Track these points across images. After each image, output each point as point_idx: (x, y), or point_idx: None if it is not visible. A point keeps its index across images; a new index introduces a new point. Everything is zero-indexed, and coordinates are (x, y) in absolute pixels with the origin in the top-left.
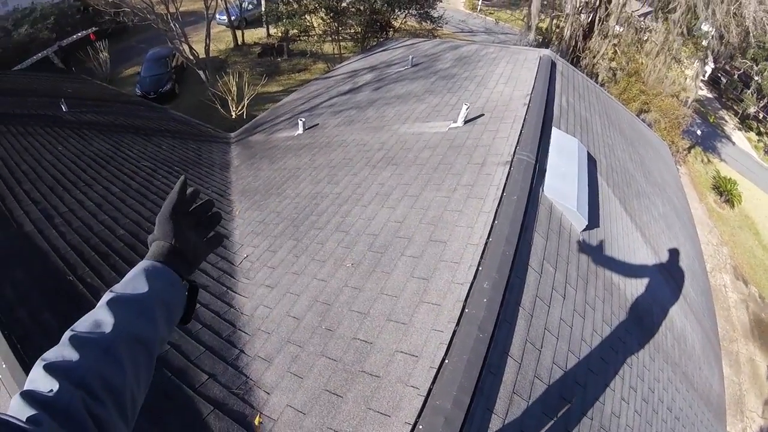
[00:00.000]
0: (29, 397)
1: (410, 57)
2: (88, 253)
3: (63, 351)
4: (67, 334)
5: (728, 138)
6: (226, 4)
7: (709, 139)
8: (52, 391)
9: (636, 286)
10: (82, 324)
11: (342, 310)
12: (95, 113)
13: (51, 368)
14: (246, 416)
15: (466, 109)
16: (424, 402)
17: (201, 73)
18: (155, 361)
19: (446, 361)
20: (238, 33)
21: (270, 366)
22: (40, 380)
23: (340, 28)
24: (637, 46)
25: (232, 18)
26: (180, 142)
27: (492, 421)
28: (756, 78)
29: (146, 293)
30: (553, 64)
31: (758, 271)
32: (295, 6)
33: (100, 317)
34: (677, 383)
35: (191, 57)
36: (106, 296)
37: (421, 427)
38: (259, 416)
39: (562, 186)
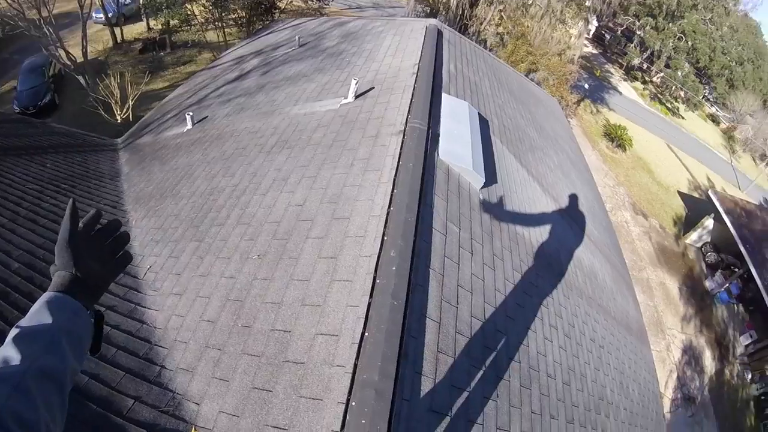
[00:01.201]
0: None
1: (297, 37)
2: None
3: None
4: None
5: (615, 89)
6: (101, 1)
7: (596, 91)
8: None
9: (540, 233)
10: None
11: (255, 303)
12: None
13: None
14: None
15: (356, 84)
16: (351, 379)
17: (80, 78)
18: (68, 393)
19: (366, 334)
20: (117, 30)
21: (194, 376)
22: None
23: (223, 14)
24: (522, 11)
25: (109, 15)
26: (65, 157)
27: (423, 383)
28: (638, 32)
29: (50, 325)
30: (440, 33)
31: (655, 205)
32: None
33: (6, 354)
34: (595, 315)
35: (69, 62)
36: (12, 332)
37: (353, 403)
38: (194, 428)
39: (457, 148)
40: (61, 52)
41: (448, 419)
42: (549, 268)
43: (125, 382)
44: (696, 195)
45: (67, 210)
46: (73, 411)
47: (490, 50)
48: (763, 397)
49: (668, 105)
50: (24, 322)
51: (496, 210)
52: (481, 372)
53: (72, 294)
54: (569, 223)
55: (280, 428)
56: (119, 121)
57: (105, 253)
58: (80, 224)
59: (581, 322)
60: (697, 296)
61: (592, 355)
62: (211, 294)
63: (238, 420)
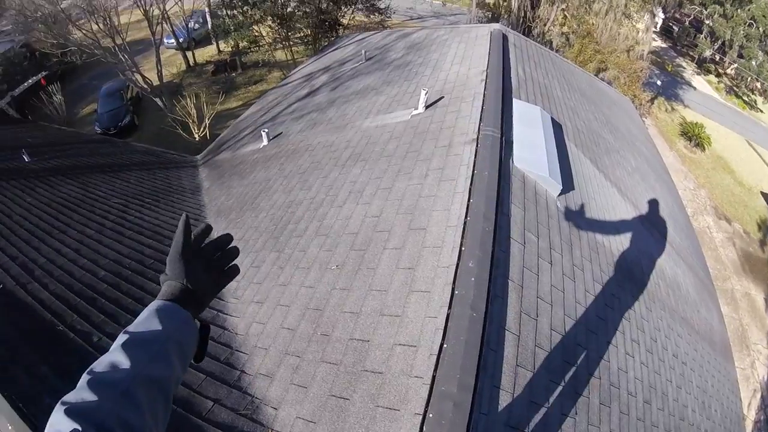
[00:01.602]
0: None
1: (363, 51)
2: (73, 299)
3: (82, 394)
4: (85, 377)
5: (689, 84)
6: (172, 28)
7: (670, 87)
8: None
9: (621, 241)
10: (99, 366)
11: (334, 313)
12: (58, 158)
13: (72, 412)
14: None
15: (425, 94)
16: (430, 390)
17: (158, 100)
18: (171, 401)
19: (445, 345)
20: (189, 54)
21: (273, 381)
22: (62, 424)
23: (289, 34)
24: (585, 8)
25: (180, 40)
26: (147, 173)
27: (501, 397)
28: (707, 22)
29: (160, 333)
30: (505, 37)
31: (738, 208)
32: (241, 18)
33: (116, 359)
34: (678, 329)
35: (145, 86)
36: (121, 338)
37: (431, 415)
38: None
39: (531, 155)
40: (138, 77)
41: None
42: (630, 278)
43: (206, 385)
44: None
45: (181, 223)
46: None
47: (557, 51)
48: None
49: (745, 98)
50: (132, 327)
51: (575, 218)
52: (560, 387)
53: (181, 304)
54: (650, 230)
55: None
56: (197, 139)
57: (214, 265)
58: (192, 236)
59: (664, 336)
60: None
61: (675, 372)
62: (291, 303)
63: (315, 426)
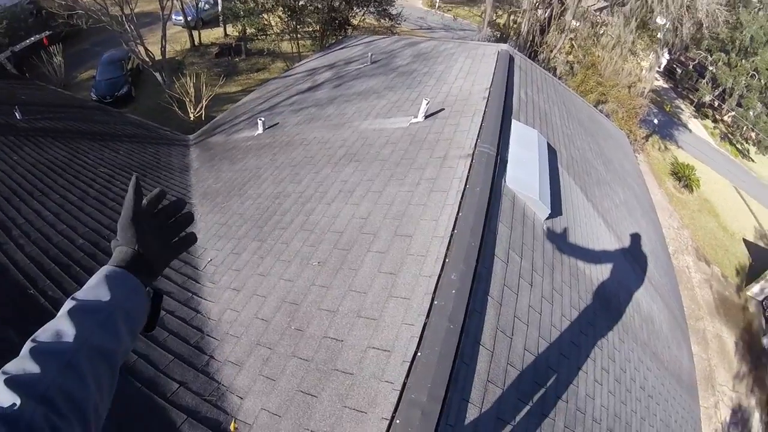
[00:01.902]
0: None
1: (369, 54)
2: (47, 264)
3: (24, 364)
4: (28, 345)
5: (685, 126)
6: (181, 5)
7: (666, 127)
8: (14, 405)
9: (601, 271)
10: (44, 334)
11: (311, 309)
12: (50, 120)
13: (12, 382)
14: (220, 423)
15: (427, 104)
16: (399, 396)
17: (157, 75)
18: (118, 372)
19: (419, 354)
20: (195, 33)
21: (241, 370)
22: (1, 394)
23: (298, 27)
24: (593, 40)
25: (189, 18)
26: (138, 147)
27: (468, 410)
28: (710, 68)
29: (108, 302)
30: (511, 58)
31: (719, 252)
32: (252, 4)
33: (61, 327)
34: (648, 362)
35: (147, 59)
36: (68, 304)
37: (398, 421)
38: (234, 422)
39: (524, 176)
40: (141, 49)
41: None
42: (607, 308)
43: (173, 366)
44: (762, 244)
45: (131, 186)
46: (119, 387)
47: (560, 78)
48: None
49: (738, 146)
50: (81, 294)
51: (559, 243)
52: (528, 407)
53: (132, 270)
54: (631, 263)
55: None
56: (192, 119)
57: (168, 231)
58: (144, 201)
59: (633, 368)
60: (753, 353)
61: (641, 404)
62: (268, 294)
63: (279, 420)
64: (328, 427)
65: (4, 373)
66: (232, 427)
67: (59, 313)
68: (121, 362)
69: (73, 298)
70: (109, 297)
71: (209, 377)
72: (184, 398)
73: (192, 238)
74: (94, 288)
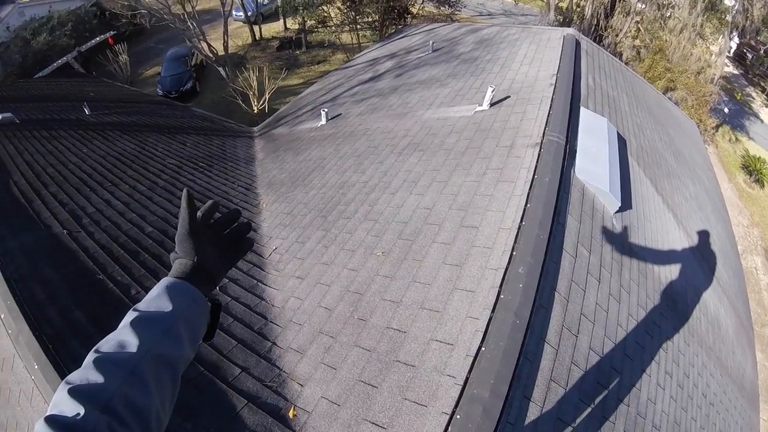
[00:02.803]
0: (54, 422)
1: (430, 42)
2: (117, 251)
3: (88, 374)
4: (91, 355)
5: (756, 115)
6: (241, 0)
7: (736, 117)
8: (78, 415)
9: (670, 269)
10: (106, 344)
11: (374, 299)
12: (118, 114)
13: (76, 392)
14: (280, 409)
15: (492, 91)
16: (461, 391)
17: (221, 69)
18: (180, 380)
19: (483, 348)
20: (256, 28)
21: (303, 358)
22: (65, 404)
23: (357, 17)
24: (660, 23)
25: (249, 13)
26: (204, 139)
27: (530, 409)
28: None
29: (170, 312)
30: (578, 43)
31: None
32: None
33: (124, 338)
34: (711, 368)
35: (210, 54)
36: (130, 315)
37: (458, 416)
38: (293, 408)
39: (594, 167)
40: (204, 45)
41: None
42: (674, 308)
43: (236, 352)
44: None
45: (183, 200)
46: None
47: (626, 64)
48: None
49: None
50: (142, 306)
51: (628, 238)
52: (589, 409)
53: (192, 281)
54: (699, 262)
55: (379, 426)
56: (255, 111)
57: (225, 241)
58: (198, 214)
59: (696, 373)
60: None
61: (701, 411)
62: (332, 283)
63: (339, 409)
64: (387, 418)
65: (67, 383)
66: (290, 414)
67: (121, 324)
68: (182, 371)
69: (135, 309)
70: (170, 307)
71: (271, 363)
72: (245, 383)
73: (247, 245)
74: (156, 299)
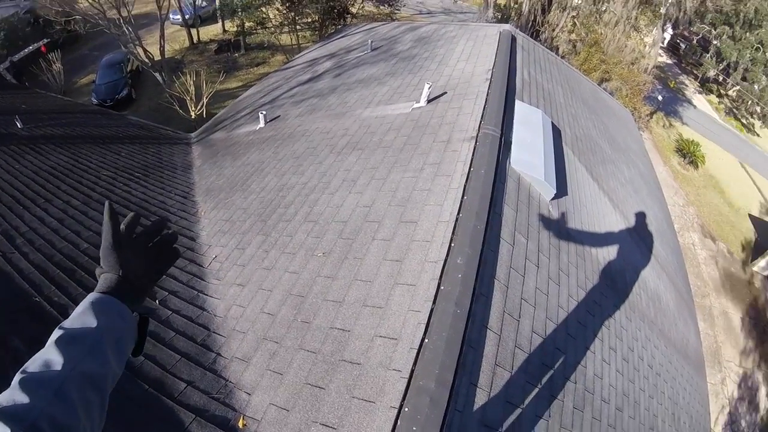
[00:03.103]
0: None
1: (369, 41)
2: (52, 270)
3: (14, 395)
4: (18, 376)
5: (689, 102)
6: (179, 3)
7: (670, 104)
8: None
9: (608, 250)
10: (33, 364)
11: (316, 300)
12: (51, 126)
13: (2, 413)
14: (229, 420)
15: (429, 88)
16: (407, 384)
17: (157, 75)
18: (108, 398)
19: (426, 340)
20: (193, 31)
21: (248, 366)
22: None
23: (296, 18)
24: (595, 17)
25: (186, 16)
26: (140, 148)
27: (477, 395)
28: (715, 42)
29: (95, 328)
30: (513, 39)
31: (725, 228)
32: None
33: (49, 357)
34: (655, 340)
35: (146, 60)
36: (55, 334)
37: (406, 409)
38: (243, 418)
39: (529, 157)
40: (140, 50)
41: None
42: (614, 287)
43: (180, 366)
44: None
45: (105, 213)
46: (126, 388)
47: (563, 57)
48: None
49: (743, 121)
50: (68, 323)
51: (565, 223)
52: (537, 390)
53: (118, 296)
54: (637, 242)
55: (329, 427)
56: (193, 117)
57: (150, 253)
58: (122, 226)
59: (641, 346)
60: (759, 329)
61: (648, 382)
62: (274, 287)
63: (288, 414)
64: (337, 418)
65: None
66: (240, 424)
67: (47, 343)
68: (110, 388)
69: (60, 327)
70: (95, 323)
71: (216, 375)
72: (192, 397)
73: (174, 255)
74: (81, 316)
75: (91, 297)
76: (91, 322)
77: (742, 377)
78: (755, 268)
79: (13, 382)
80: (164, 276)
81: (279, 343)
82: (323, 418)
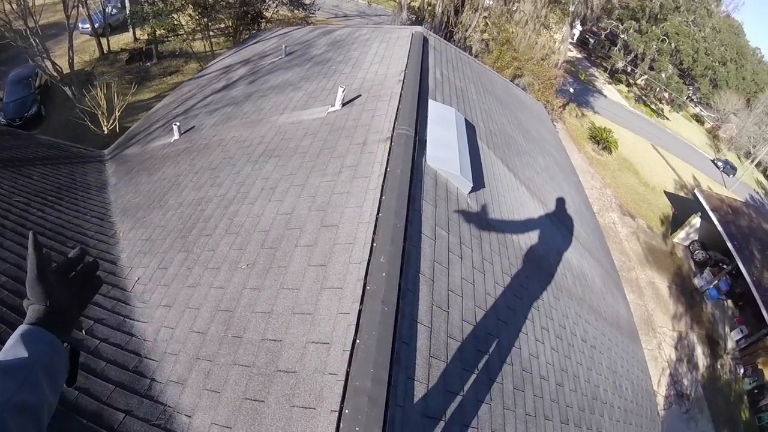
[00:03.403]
0: None
1: (283, 46)
2: None
3: None
4: None
5: (600, 92)
6: (88, 11)
7: (582, 95)
8: None
9: (529, 236)
10: None
11: (245, 313)
12: None
13: None
14: None
15: (343, 91)
16: (344, 386)
17: (67, 89)
18: (45, 428)
19: (357, 341)
20: (103, 41)
21: (185, 388)
22: None
23: (210, 24)
24: (507, 17)
25: (96, 25)
26: (51, 169)
27: (416, 388)
28: (622, 36)
29: (26, 359)
30: (425, 40)
31: (642, 205)
32: (161, 5)
33: None
34: (586, 316)
35: (55, 73)
36: None
37: (347, 411)
38: None
39: (444, 154)
40: (48, 63)
41: (442, 424)
42: (538, 270)
43: (115, 396)
44: (682, 194)
45: (30, 245)
46: (64, 425)
47: (476, 56)
48: (755, 391)
49: (653, 107)
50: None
51: (485, 214)
52: (474, 375)
53: (46, 326)
54: (557, 225)
55: None
56: (106, 132)
57: (74, 284)
58: (43, 258)
59: (572, 323)
60: (686, 294)
61: (584, 355)
62: (201, 305)
63: None
64: (280, 429)
65: None
66: None
67: None
68: (47, 419)
69: None
70: (26, 355)
71: (154, 401)
72: (132, 427)
73: (98, 283)
74: (12, 348)
75: (20, 329)
76: (23, 353)
77: (677, 339)
78: (676, 239)
79: None
80: (92, 305)
81: (212, 361)
82: (266, 431)
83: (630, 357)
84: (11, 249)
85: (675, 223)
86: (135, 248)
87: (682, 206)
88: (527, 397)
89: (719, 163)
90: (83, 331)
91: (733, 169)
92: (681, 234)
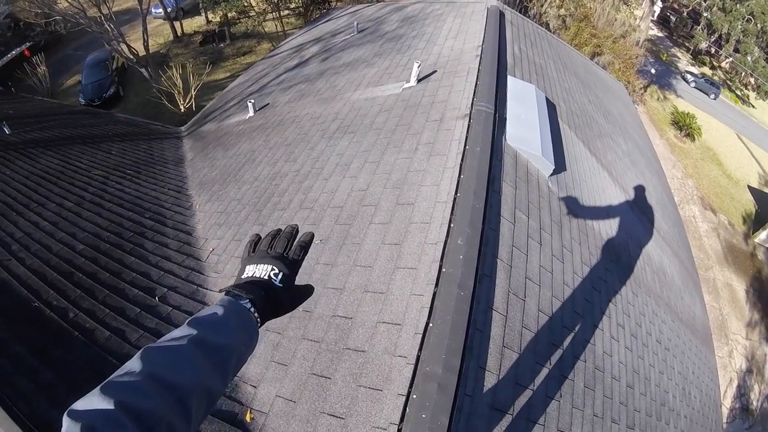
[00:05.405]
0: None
1: (355, 23)
2: (50, 274)
3: (137, 391)
4: (147, 367)
5: (682, 74)
6: None
7: (663, 76)
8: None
9: (610, 225)
10: (163, 354)
11: (317, 288)
12: (39, 130)
13: (125, 408)
14: (236, 414)
15: (418, 67)
16: (414, 370)
17: (143, 70)
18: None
19: (430, 325)
20: (177, 24)
21: (252, 358)
22: (107, 420)
23: (280, 4)
24: None
25: (168, 9)
26: (130, 145)
27: (486, 378)
28: (705, 14)
29: (230, 345)
30: (502, 14)
31: (725, 200)
32: None
33: (182, 361)
34: (662, 315)
35: (131, 56)
36: (193, 330)
37: (415, 396)
38: (249, 412)
39: (525, 133)
40: (123, 47)
41: (509, 417)
42: (618, 262)
43: None
44: (767, 190)
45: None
46: None
47: (553, 32)
48: None
49: (738, 92)
50: (207, 328)
51: (566, 199)
52: (546, 370)
53: (260, 307)
54: (638, 215)
55: (337, 417)
56: (182, 110)
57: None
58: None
59: (648, 321)
60: (764, 300)
61: (657, 357)
62: None
63: (295, 406)
64: (345, 408)
65: (120, 400)
66: (248, 417)
67: (178, 333)
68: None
69: (198, 323)
70: (230, 341)
71: None
72: None
73: (310, 289)
74: (223, 323)
75: (237, 306)
76: (227, 334)
77: (750, 350)
78: (757, 240)
79: (141, 368)
80: (167, 274)
81: (281, 334)
82: (330, 408)
83: (702, 363)
84: (90, 219)
85: (757, 221)
86: (210, 220)
87: (767, 204)
88: (597, 397)
89: None
90: (156, 298)
91: None
92: (763, 235)
